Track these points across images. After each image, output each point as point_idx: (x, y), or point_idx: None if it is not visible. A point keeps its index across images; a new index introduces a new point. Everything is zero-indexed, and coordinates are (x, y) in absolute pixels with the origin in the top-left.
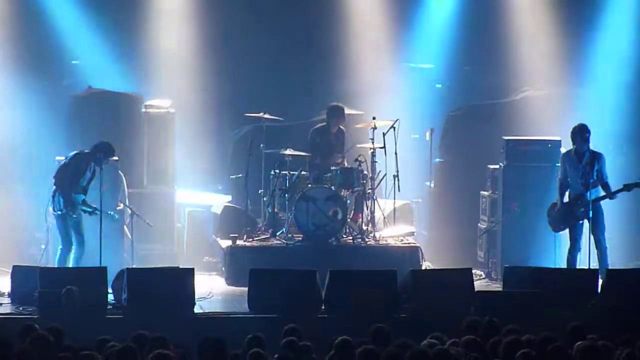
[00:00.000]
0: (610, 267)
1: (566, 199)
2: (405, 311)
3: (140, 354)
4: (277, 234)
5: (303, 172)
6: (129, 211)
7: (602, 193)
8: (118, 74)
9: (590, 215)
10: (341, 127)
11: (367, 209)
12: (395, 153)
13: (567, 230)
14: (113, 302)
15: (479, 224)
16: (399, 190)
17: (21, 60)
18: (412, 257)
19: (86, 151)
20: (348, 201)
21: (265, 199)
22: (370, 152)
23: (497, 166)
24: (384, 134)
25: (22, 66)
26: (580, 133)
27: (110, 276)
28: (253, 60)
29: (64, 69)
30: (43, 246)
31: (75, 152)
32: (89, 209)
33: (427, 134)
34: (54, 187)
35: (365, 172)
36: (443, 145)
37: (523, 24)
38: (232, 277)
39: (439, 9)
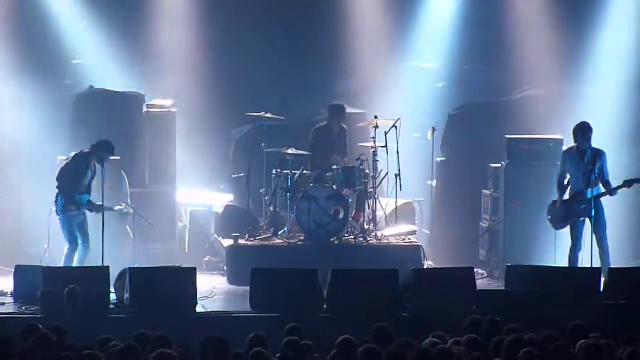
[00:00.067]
0: (612, 266)
1: (566, 196)
2: (407, 310)
3: (143, 353)
4: (279, 233)
5: (305, 172)
6: (131, 210)
7: (603, 190)
8: (119, 73)
9: (593, 213)
10: (343, 126)
11: (369, 208)
12: (397, 152)
13: (568, 229)
14: (115, 301)
15: (480, 223)
16: (400, 190)
17: (23, 61)
18: (414, 256)
19: (86, 151)
20: (350, 200)
21: (267, 198)
22: (372, 151)
23: (499, 165)
24: (385, 133)
25: (24, 66)
26: (582, 131)
27: (113, 276)
28: (254, 59)
29: (66, 69)
30: (46, 246)
31: (75, 152)
32: (95, 208)
33: (429, 133)
34: (57, 189)
35: (367, 171)
36: (445, 144)
37: (524, 23)
38: (234, 276)
39: (441, 8)
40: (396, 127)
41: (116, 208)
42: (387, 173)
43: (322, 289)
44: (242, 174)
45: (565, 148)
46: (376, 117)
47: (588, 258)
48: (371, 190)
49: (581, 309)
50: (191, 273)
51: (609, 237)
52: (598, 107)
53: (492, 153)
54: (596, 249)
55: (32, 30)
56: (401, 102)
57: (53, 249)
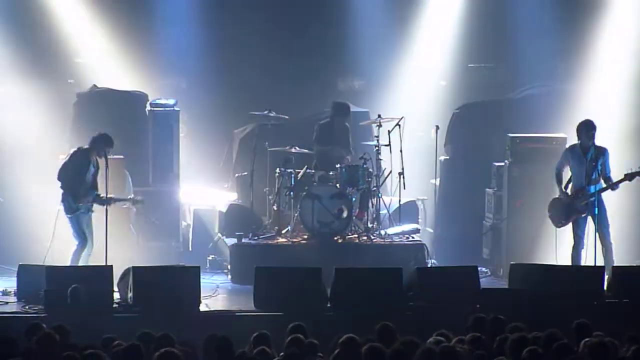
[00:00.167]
0: (615, 264)
1: (567, 191)
2: (410, 309)
3: (146, 352)
4: (283, 232)
5: (308, 170)
6: (135, 209)
7: (604, 186)
8: (123, 72)
9: (596, 212)
10: (346, 124)
11: (373, 207)
12: (401, 151)
13: (569, 227)
14: (119, 300)
15: (484, 222)
16: (404, 188)
17: (26, 60)
18: (418, 254)
19: (85, 147)
20: (353, 199)
21: (270, 197)
22: (375, 149)
23: (502, 163)
24: (389, 132)
25: (28, 65)
26: (586, 129)
27: (116, 275)
28: (258, 58)
29: (69, 68)
30: (48, 245)
31: (73, 149)
32: (105, 201)
33: (432, 131)
34: (62, 190)
35: (370, 169)
36: (448, 143)
37: (527, 21)
38: (237, 275)
39: (443, 6)
40: (399, 126)
41: (129, 197)
42: (391, 172)
43: (326, 287)
44: (245, 173)
45: (567, 145)
46: (379, 116)
47: (591, 256)
48: (374, 188)
49: (584, 307)
50: (195, 272)
51: (612, 235)
52: (600, 105)
53: (495, 151)
54: (599, 247)
55: (35, 30)
56: (404, 101)
57: (56, 248)
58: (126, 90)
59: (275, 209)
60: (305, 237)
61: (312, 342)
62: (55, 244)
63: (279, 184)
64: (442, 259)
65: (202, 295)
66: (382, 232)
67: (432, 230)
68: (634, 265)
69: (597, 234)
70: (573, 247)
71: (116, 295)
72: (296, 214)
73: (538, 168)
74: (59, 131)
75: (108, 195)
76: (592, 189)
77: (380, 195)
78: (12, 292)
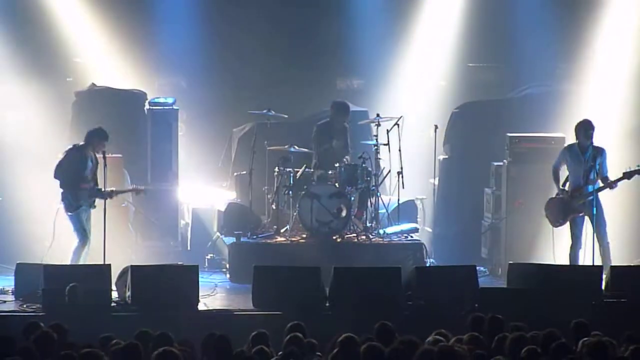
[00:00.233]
0: (613, 264)
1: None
2: (409, 308)
3: (145, 351)
4: (281, 231)
5: (307, 169)
6: (133, 208)
7: (601, 185)
8: (121, 71)
9: (594, 211)
10: (345, 124)
11: (371, 206)
12: (400, 150)
13: (566, 227)
14: (117, 299)
15: (482, 221)
16: (403, 187)
17: (26, 59)
18: (416, 254)
19: (80, 144)
20: (352, 198)
21: (269, 196)
22: (374, 149)
23: (501, 163)
24: (388, 131)
25: (27, 64)
26: (585, 128)
27: (114, 273)
28: (257, 57)
29: (68, 67)
30: (47, 243)
31: (68, 147)
32: (107, 195)
33: (431, 131)
34: (60, 189)
35: (369, 169)
36: (447, 142)
37: (526, 21)
38: (236, 274)
39: (443, 6)
40: (398, 125)
41: (131, 187)
42: (390, 171)
43: (325, 286)
44: (244, 172)
45: (566, 144)
46: (378, 115)
47: (589, 256)
48: (373, 188)
49: (583, 306)
50: (193, 271)
51: (610, 235)
52: (598, 104)
53: (494, 151)
54: (597, 247)
55: (35, 29)
56: (403, 100)
57: (55, 247)
58: (125, 89)
59: (274, 208)
60: (304, 236)
61: (310, 341)
62: (56, 243)
63: (277, 183)
64: (440, 258)
65: (200, 294)
66: (381, 231)
67: (430, 230)
68: (632, 264)
69: (594, 234)
70: (571, 246)
71: (114, 294)
72: (295, 213)
73: (537, 168)
74: (58, 130)
75: (109, 189)
76: (590, 188)
77: (379, 194)
78: (10, 291)
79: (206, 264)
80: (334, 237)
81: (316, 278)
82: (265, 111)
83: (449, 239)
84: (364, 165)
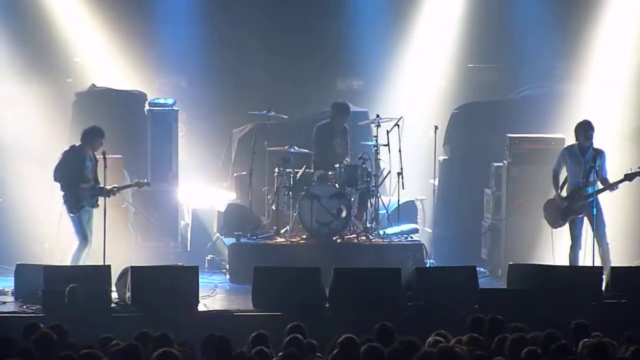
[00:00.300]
0: (613, 265)
1: (563, 193)
2: (409, 309)
3: (145, 352)
4: (281, 231)
5: (307, 170)
6: (133, 209)
7: (601, 187)
8: (121, 71)
9: (595, 212)
10: (345, 125)
11: (371, 207)
12: (399, 151)
13: (566, 228)
14: (117, 300)
15: (482, 222)
16: (402, 188)
17: (26, 59)
18: (416, 254)
19: (77, 144)
20: (352, 199)
21: (269, 196)
22: (374, 149)
23: (501, 164)
24: (388, 132)
25: (27, 64)
26: (584, 129)
27: (114, 274)
28: (257, 58)
29: (68, 68)
30: (47, 244)
31: (65, 149)
32: (110, 192)
33: (431, 131)
34: (62, 191)
35: (369, 169)
36: (447, 143)
37: (526, 22)
38: (236, 274)
39: (443, 7)
40: (398, 126)
41: (133, 182)
42: (390, 171)
43: (325, 287)
44: (244, 173)
45: (565, 145)
46: (378, 116)
47: (589, 257)
48: (373, 188)
49: (583, 307)
50: (193, 271)
51: (610, 236)
52: (598, 105)
53: (494, 152)
54: (597, 248)
55: (35, 29)
56: (403, 101)
57: (54, 248)
58: (125, 89)
59: (274, 208)
60: (304, 237)
61: (310, 342)
62: (55, 243)
63: (277, 183)
64: (440, 259)
65: (200, 295)
66: (381, 232)
67: (430, 230)
68: (632, 265)
69: (594, 235)
70: (570, 247)
71: (114, 295)
72: (295, 214)
73: (537, 168)
74: (58, 130)
75: (111, 186)
76: (590, 190)
77: (379, 195)
78: (10, 292)
79: (206, 265)
80: (334, 238)
81: (316, 279)
82: (265, 112)
83: (449, 240)
84: (364, 166)
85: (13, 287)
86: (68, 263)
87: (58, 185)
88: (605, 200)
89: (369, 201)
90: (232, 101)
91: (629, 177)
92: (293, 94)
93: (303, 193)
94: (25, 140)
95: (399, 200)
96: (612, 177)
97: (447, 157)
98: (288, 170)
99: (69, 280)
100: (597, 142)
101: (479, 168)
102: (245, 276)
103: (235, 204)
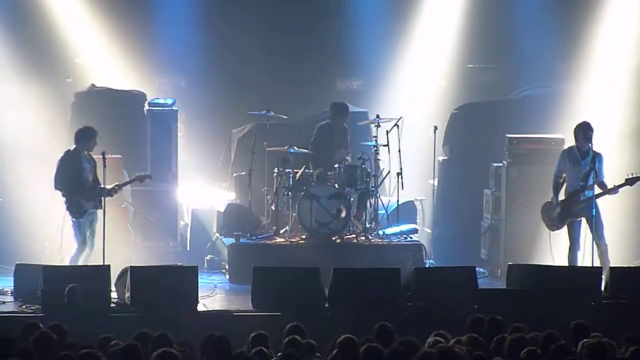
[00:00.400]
0: (612, 265)
1: (562, 196)
2: (408, 309)
3: (144, 352)
4: (281, 232)
5: (306, 170)
6: (133, 208)
7: (598, 191)
8: (121, 71)
9: (594, 213)
10: (344, 125)
11: (371, 207)
12: (399, 151)
13: (564, 229)
14: (116, 300)
15: (482, 222)
16: (402, 188)
17: (25, 60)
18: (416, 255)
19: (72, 148)
20: (351, 199)
21: (268, 197)
22: (373, 150)
23: (500, 164)
24: (387, 132)
25: (27, 65)
26: (584, 131)
27: (114, 274)
28: (257, 58)
29: (68, 68)
30: (47, 244)
31: (60, 155)
32: (112, 191)
33: (431, 131)
34: (63, 197)
35: (368, 170)
36: (446, 143)
37: (526, 22)
38: (235, 274)
39: (443, 7)
40: (398, 126)
41: (134, 176)
42: (389, 172)
43: (324, 287)
44: (243, 173)
45: (565, 147)
46: (378, 116)
47: (587, 257)
48: (373, 189)
49: (582, 308)
50: (192, 271)
51: (609, 236)
52: (598, 105)
53: (493, 152)
54: (595, 248)
55: (34, 30)
56: (403, 101)
57: (54, 248)
58: (124, 89)
59: (274, 208)
60: (304, 237)
61: (309, 342)
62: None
63: (277, 183)
64: (440, 259)
65: (199, 295)
66: (380, 232)
67: (430, 231)
68: (632, 266)
69: (593, 236)
70: (569, 249)
71: (113, 295)
72: (294, 214)
73: (536, 169)
74: (58, 131)
75: (112, 185)
76: (589, 193)
77: (378, 195)
78: (9, 292)
79: (205, 265)
80: (334, 238)
81: (315, 279)
82: (264, 112)
83: (449, 240)
84: (363, 166)
85: (12, 287)
86: (66, 263)
87: (59, 193)
88: (605, 200)
89: (368, 201)
90: (231, 101)
91: (630, 181)
92: (292, 94)
93: (302, 193)
94: (25, 140)
95: (398, 201)
96: (611, 178)
97: (446, 158)
98: (287, 170)
99: (69, 280)
100: (597, 142)
101: (478, 168)
102: (244, 276)
103: (234, 204)
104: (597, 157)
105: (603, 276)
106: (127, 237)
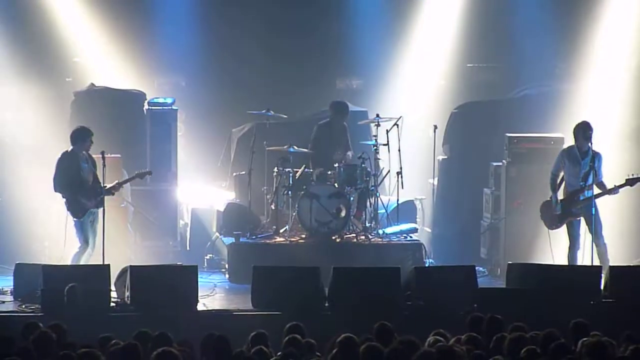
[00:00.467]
0: (612, 264)
1: (560, 195)
2: (408, 308)
3: (144, 351)
4: (281, 231)
5: (306, 169)
6: (132, 208)
7: (597, 191)
8: (121, 71)
9: (593, 212)
10: (344, 124)
11: (371, 206)
12: (399, 150)
13: (563, 228)
14: (116, 299)
15: (482, 221)
16: (402, 187)
17: (24, 59)
18: (415, 254)
19: (68, 150)
20: (351, 198)
21: (268, 196)
22: (373, 149)
23: (500, 163)
24: (387, 131)
25: (27, 65)
26: (583, 130)
27: (113, 274)
28: (256, 57)
29: (67, 67)
30: (46, 244)
31: (58, 157)
32: (113, 189)
33: (431, 131)
34: (64, 198)
35: (368, 169)
36: (446, 143)
37: (525, 21)
38: (235, 274)
39: (442, 6)
40: (398, 125)
41: (134, 174)
42: (389, 171)
43: (324, 286)
44: (243, 172)
45: (564, 146)
46: (378, 115)
47: (587, 256)
48: (373, 188)
49: (582, 306)
50: (192, 271)
51: (609, 235)
52: (598, 105)
53: (493, 151)
54: (595, 248)
55: (34, 29)
56: (403, 100)
57: (53, 247)
58: (124, 89)
59: (273, 208)
60: (303, 236)
61: (309, 341)
62: (52, 243)
63: (277, 183)
64: (439, 258)
65: (199, 294)
66: (380, 231)
67: (430, 230)
68: (631, 264)
69: (593, 237)
70: (569, 248)
71: (113, 295)
72: (294, 213)
73: (536, 168)
74: (57, 130)
75: (112, 184)
76: (589, 193)
77: (378, 194)
78: (9, 291)
79: (205, 264)
80: (333, 237)
81: (315, 278)
82: (264, 111)
83: (448, 239)
84: (363, 165)
85: (12, 287)
86: (68, 263)
87: (59, 195)
88: (604, 199)
89: (368, 200)
90: (231, 101)
91: (630, 182)
92: (292, 94)
93: (302, 192)
94: (25, 140)
95: (398, 200)
96: (611, 177)
97: (446, 157)
98: (287, 169)
99: (68, 279)
100: (597, 142)
101: (478, 167)
102: (244, 275)
103: (234, 203)
104: (596, 156)
105: (603, 275)
106: (126, 237)
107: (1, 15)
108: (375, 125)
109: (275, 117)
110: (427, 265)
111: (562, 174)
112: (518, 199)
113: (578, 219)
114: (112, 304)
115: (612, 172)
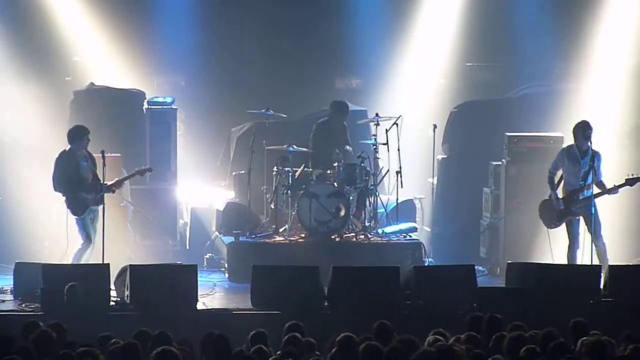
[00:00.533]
0: (611, 264)
1: (560, 194)
2: (408, 307)
3: (143, 350)
4: (280, 230)
5: (306, 169)
6: (132, 207)
7: (596, 190)
8: (120, 70)
9: (593, 212)
10: (344, 123)
11: (370, 205)
12: (398, 149)
13: (563, 228)
14: (116, 298)
15: (481, 220)
16: (401, 187)
17: (24, 59)
18: (415, 253)
19: (66, 149)
20: (351, 197)
21: (267, 195)
22: (373, 148)
23: (500, 162)
24: (386, 130)
25: (25, 64)
26: (583, 130)
27: (113, 273)
28: (256, 57)
29: (67, 66)
30: (46, 243)
31: (56, 157)
32: (113, 186)
33: (430, 130)
34: (64, 196)
35: (367, 168)
36: (446, 142)
37: (525, 21)
38: (234, 273)
39: (442, 5)
40: (397, 124)
41: (135, 170)
42: (388, 170)
43: (323, 286)
44: (243, 171)
45: (564, 146)
46: (377, 115)
47: (587, 255)
48: (372, 187)
49: (581, 306)
50: (192, 270)
51: (608, 234)
52: (597, 104)
53: (492, 150)
54: (594, 247)
55: (33, 29)
56: (402, 100)
57: (53, 247)
58: (123, 88)
59: (273, 207)
60: (303, 235)
61: (309, 340)
62: (53, 243)
63: (276, 182)
64: (439, 257)
65: (199, 293)
66: (380, 230)
67: (429, 229)
68: (631, 264)
69: (592, 234)
70: (568, 247)
71: (113, 294)
72: (294, 213)
73: (535, 167)
74: (57, 130)
75: (114, 180)
76: (588, 192)
77: (377, 193)
78: (9, 290)
79: (205, 264)
80: (333, 237)
81: (315, 277)
82: (264, 111)
83: (448, 239)
84: (362, 164)
85: (12, 286)
86: (69, 261)
87: (59, 194)
88: (604, 198)
89: (367, 200)
90: (230, 100)
91: (630, 181)
92: (292, 93)
93: (302, 192)
94: (24, 139)
95: (397, 199)
96: (610, 177)
97: (445, 156)
98: (287, 169)
99: (68, 278)
100: (596, 141)
101: (477, 167)
102: (244, 275)
103: (234, 202)
104: (596, 155)
105: (602, 274)
106: (126, 236)
107: (1, 15)
108: (375, 124)
109: (274, 117)
110: (426, 264)
111: (560, 172)
112: (517, 198)
113: (577, 218)
114: (112, 303)
115: (611, 171)
